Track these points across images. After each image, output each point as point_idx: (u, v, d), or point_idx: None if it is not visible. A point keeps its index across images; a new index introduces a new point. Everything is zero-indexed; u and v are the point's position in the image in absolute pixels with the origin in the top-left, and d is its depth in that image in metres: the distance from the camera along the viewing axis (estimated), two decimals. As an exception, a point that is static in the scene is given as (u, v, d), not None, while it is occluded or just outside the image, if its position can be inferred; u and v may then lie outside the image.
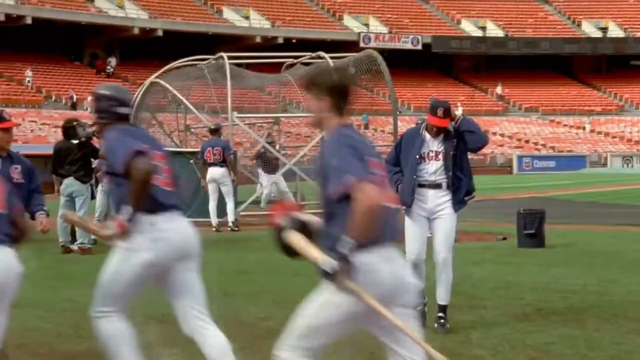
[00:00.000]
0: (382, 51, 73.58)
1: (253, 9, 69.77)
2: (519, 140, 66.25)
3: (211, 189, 16.77)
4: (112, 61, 62.70)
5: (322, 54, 20.09)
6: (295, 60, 21.73)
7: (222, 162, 16.72)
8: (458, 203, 7.79)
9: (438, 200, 7.72)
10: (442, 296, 7.91)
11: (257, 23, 68.97)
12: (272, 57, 22.46)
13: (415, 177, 7.71)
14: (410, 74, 71.92)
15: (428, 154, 7.75)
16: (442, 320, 7.82)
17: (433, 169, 7.72)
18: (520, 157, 60.15)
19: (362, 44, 66.31)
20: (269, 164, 20.08)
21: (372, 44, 69.59)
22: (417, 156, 7.70)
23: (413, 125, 9.32)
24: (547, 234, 13.67)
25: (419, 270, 7.63)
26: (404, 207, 7.71)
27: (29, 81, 56.45)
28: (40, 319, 8.27)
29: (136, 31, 62.49)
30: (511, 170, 58.38)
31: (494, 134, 67.13)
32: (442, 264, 7.88)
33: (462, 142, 7.74)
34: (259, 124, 24.63)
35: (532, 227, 13.27)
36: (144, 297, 9.34)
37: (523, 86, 74.61)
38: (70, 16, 59.76)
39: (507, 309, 8.64)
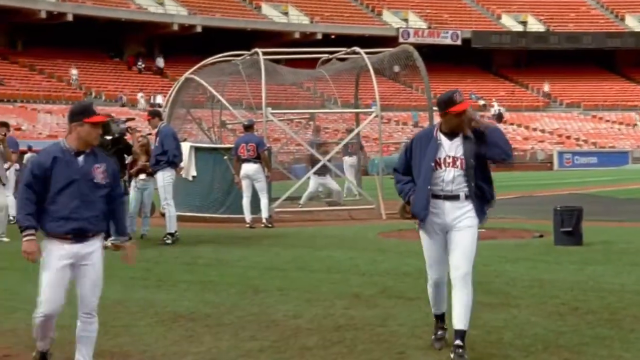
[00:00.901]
0: (421, 46, 73.47)
1: (292, 5, 69.81)
2: (560, 136, 65.54)
3: (245, 185, 16.69)
4: (160, 61, 62.73)
5: (357, 49, 19.93)
6: (330, 56, 21.60)
7: (256, 158, 16.61)
8: (480, 213, 6.70)
9: (455, 213, 6.65)
10: (461, 319, 6.62)
11: (295, 19, 68.98)
12: (307, 53, 22.27)
13: (429, 187, 6.61)
14: (450, 69, 71.39)
15: (444, 159, 6.61)
16: (460, 350, 6.58)
17: (450, 177, 6.61)
18: (561, 153, 59.50)
19: (401, 40, 65.99)
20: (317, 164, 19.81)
21: (411, 39, 69.29)
22: (432, 163, 6.58)
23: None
24: (585, 231, 13.39)
25: (440, 291, 6.98)
26: (418, 222, 6.76)
27: (75, 79, 56.72)
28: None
29: (175, 28, 62.78)
30: (552, 166, 57.79)
31: (535, 129, 66.56)
32: (462, 280, 6.63)
33: (483, 149, 6.63)
34: (297, 120, 24.52)
35: (569, 225, 13.01)
36: (171, 295, 9.36)
37: (565, 81, 73.83)
38: (111, 13, 60.21)
39: (541, 308, 8.46)
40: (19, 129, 44.75)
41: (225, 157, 17.61)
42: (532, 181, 36.88)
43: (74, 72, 56.64)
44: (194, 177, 17.72)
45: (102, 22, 59.54)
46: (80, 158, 5.92)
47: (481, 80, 74.41)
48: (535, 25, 76.74)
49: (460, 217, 6.65)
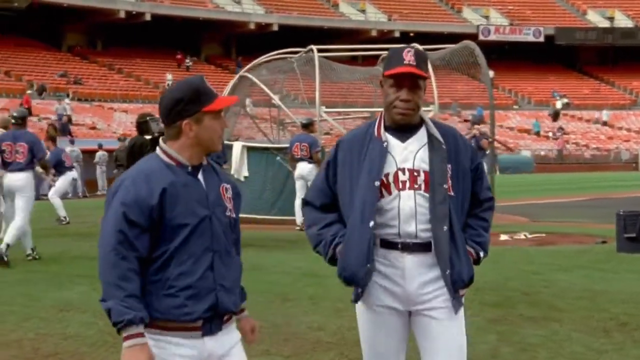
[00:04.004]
0: (502, 44, 72.01)
1: (369, 3, 69.27)
2: (647, 135, 63.53)
3: (299, 185, 16.17)
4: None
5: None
6: (390, 53, 20.95)
7: (311, 158, 16.13)
8: (455, 291, 3.81)
9: (424, 277, 3.79)
10: None
11: (373, 17, 68.45)
12: (364, 50, 21.76)
13: (372, 225, 3.74)
14: (532, 66, 70.04)
15: (395, 176, 3.77)
16: None
17: (408, 208, 3.75)
18: (647, 153, 57.57)
19: (481, 37, 64.94)
20: None
21: (492, 37, 68.19)
22: (377, 182, 3.75)
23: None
24: (655, 237, 12.57)
25: None
26: (355, 293, 3.92)
27: (168, 85, 57.12)
28: (82, 325, 7.90)
29: (252, 26, 62.91)
30: (637, 166, 55.90)
31: (620, 128, 64.73)
32: None
33: (461, 172, 3.87)
34: (357, 119, 23.92)
35: (632, 230, 12.18)
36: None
37: (653, 78, 71.61)
38: (188, 12, 60.67)
39: (586, 322, 7.80)
40: (93, 128, 45.32)
41: (278, 158, 17.21)
42: (612, 182, 35.53)
43: (169, 77, 56.94)
44: (245, 177, 17.34)
45: (179, 22, 60.03)
46: (200, 177, 3.46)
47: (565, 77, 72.68)
48: (622, 21, 74.63)
49: (435, 286, 3.80)
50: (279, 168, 17.11)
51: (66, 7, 55.39)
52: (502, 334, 7.33)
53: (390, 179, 3.78)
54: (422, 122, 3.85)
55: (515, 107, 65.55)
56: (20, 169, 11.82)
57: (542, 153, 57.38)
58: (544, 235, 13.75)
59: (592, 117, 66.07)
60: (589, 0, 76.53)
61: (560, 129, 61.33)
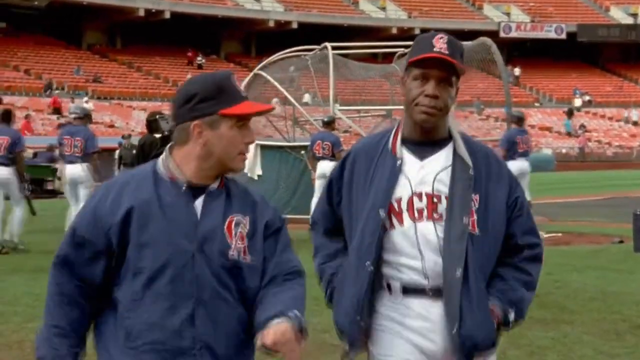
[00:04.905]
0: (523, 41, 71.30)
1: (389, 0, 68.98)
2: (670, 132, 62.87)
3: (318, 184, 15.81)
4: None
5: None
6: (405, 50, 20.79)
7: (333, 156, 15.79)
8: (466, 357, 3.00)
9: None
10: None
11: (393, 14, 68.18)
12: (381, 47, 21.56)
13: (371, 262, 3.03)
14: (553, 64, 69.47)
15: (410, 202, 3.02)
16: None
17: (431, 243, 3.01)
18: (670, 151, 57.03)
19: (502, 34, 64.59)
20: None
21: (513, 34, 67.78)
22: (381, 211, 3.01)
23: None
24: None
25: None
26: (347, 349, 3.24)
27: (185, 83, 57.29)
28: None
29: (271, 24, 62.82)
30: (660, 164, 55.38)
31: (643, 126, 64.18)
32: None
33: (500, 204, 3.06)
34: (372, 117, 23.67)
35: (649, 230, 11.99)
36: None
37: (677, 76, 70.88)
38: (207, 10, 60.64)
39: (597, 325, 7.63)
40: (112, 126, 45.37)
41: (303, 152, 16.94)
42: (633, 181, 35.13)
43: (189, 76, 56.87)
44: (259, 176, 17.16)
45: (198, 20, 60.03)
46: (199, 201, 2.70)
47: (587, 75, 72.06)
48: (646, 17, 73.97)
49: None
50: (293, 166, 16.92)
51: (86, 5, 55.55)
52: (511, 336, 7.15)
53: (403, 205, 3.00)
54: (450, 137, 3.07)
55: (536, 104, 65.06)
56: (77, 161, 12.96)
57: (564, 151, 56.95)
58: (560, 234, 13.59)
59: (614, 115, 65.47)
60: (611, -4, 76.01)
61: (582, 126, 60.82)
